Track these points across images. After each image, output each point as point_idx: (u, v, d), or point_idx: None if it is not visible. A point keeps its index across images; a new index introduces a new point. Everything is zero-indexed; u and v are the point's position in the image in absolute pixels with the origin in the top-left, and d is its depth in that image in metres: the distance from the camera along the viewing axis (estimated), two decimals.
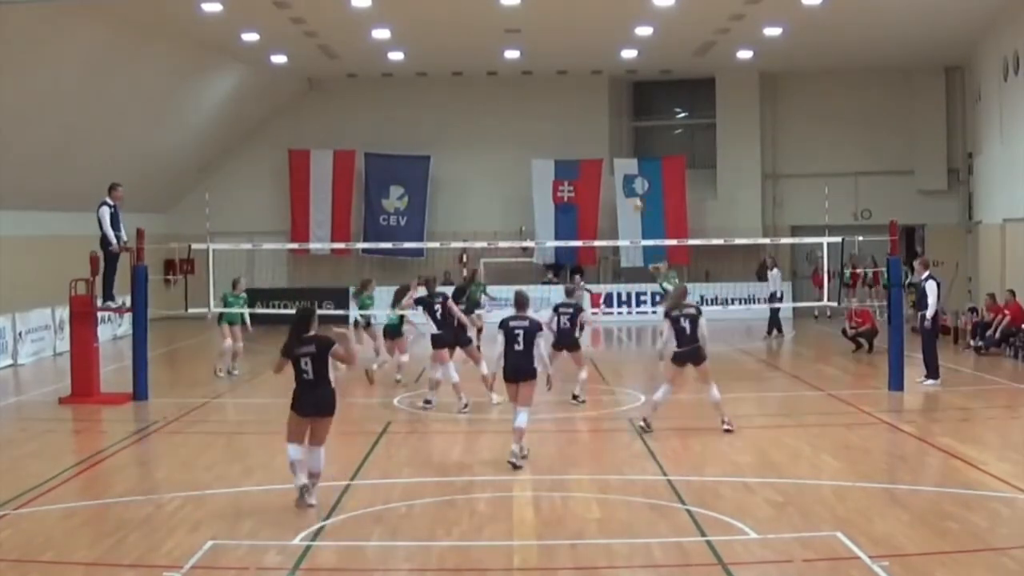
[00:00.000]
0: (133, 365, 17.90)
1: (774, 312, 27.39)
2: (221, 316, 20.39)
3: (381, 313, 20.25)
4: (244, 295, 20.78)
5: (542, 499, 10.95)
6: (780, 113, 34.65)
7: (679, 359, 14.21)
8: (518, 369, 12.44)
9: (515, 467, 12.10)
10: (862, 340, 23.47)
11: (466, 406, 16.02)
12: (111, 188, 17.91)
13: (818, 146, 34.07)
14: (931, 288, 18.27)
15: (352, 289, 24.39)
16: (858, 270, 27.15)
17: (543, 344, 12.63)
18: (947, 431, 14.59)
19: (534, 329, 12.56)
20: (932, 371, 18.22)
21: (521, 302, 12.92)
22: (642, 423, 14.28)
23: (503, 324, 12.61)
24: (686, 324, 14.12)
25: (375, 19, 25.82)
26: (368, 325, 20.78)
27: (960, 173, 33.28)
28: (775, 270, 28.46)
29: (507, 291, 30.75)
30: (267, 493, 11.38)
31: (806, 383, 19.35)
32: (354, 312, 21.33)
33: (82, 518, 10.44)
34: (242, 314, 20.49)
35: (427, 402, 16.42)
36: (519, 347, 12.39)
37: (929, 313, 18.16)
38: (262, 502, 11.00)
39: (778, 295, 28.28)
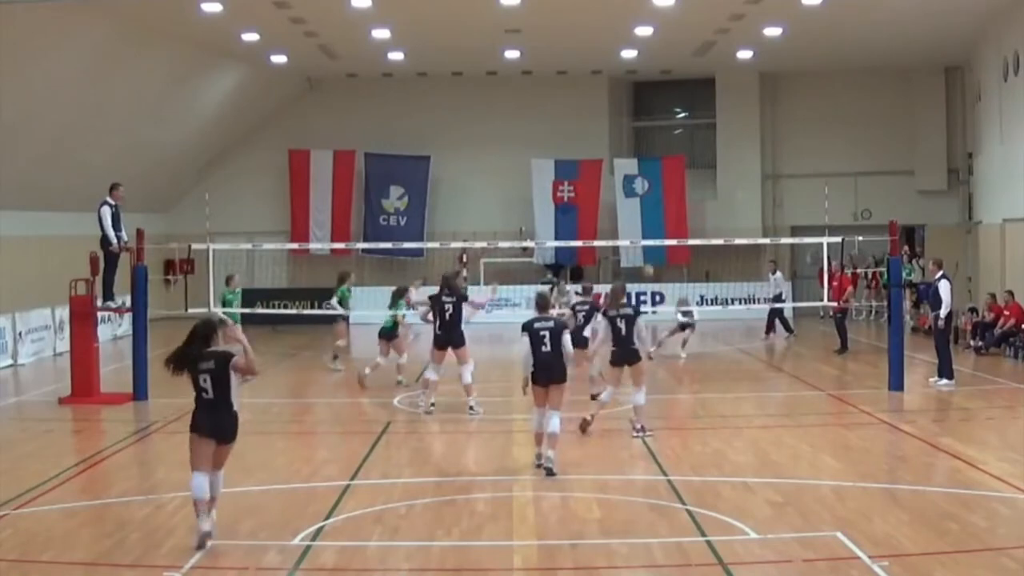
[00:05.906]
0: (133, 365, 17.87)
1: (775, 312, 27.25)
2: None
3: (378, 313, 20.07)
4: (239, 291, 20.50)
5: (542, 499, 10.94)
6: (780, 113, 34.62)
7: (616, 360, 14.01)
8: (550, 371, 12.12)
9: (550, 472, 11.79)
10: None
11: (432, 405, 16.01)
12: (112, 188, 17.86)
13: (818, 146, 34.02)
14: (944, 288, 18.08)
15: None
16: (858, 270, 27.11)
17: (569, 342, 12.30)
18: (947, 431, 14.60)
19: (560, 329, 12.27)
20: (947, 371, 18.04)
21: (542, 304, 12.70)
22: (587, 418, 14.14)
23: (527, 327, 12.24)
24: (622, 324, 13.86)
25: (375, 19, 25.80)
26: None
27: (960, 173, 33.23)
28: (778, 273, 28.28)
29: (506, 291, 31.12)
30: (267, 493, 11.39)
31: (806, 383, 19.34)
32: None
33: (82, 518, 10.45)
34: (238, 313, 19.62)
35: (432, 404, 16.14)
36: (547, 348, 12.07)
37: (943, 312, 17.98)
38: (262, 502, 11.01)
39: (782, 296, 28.12)
